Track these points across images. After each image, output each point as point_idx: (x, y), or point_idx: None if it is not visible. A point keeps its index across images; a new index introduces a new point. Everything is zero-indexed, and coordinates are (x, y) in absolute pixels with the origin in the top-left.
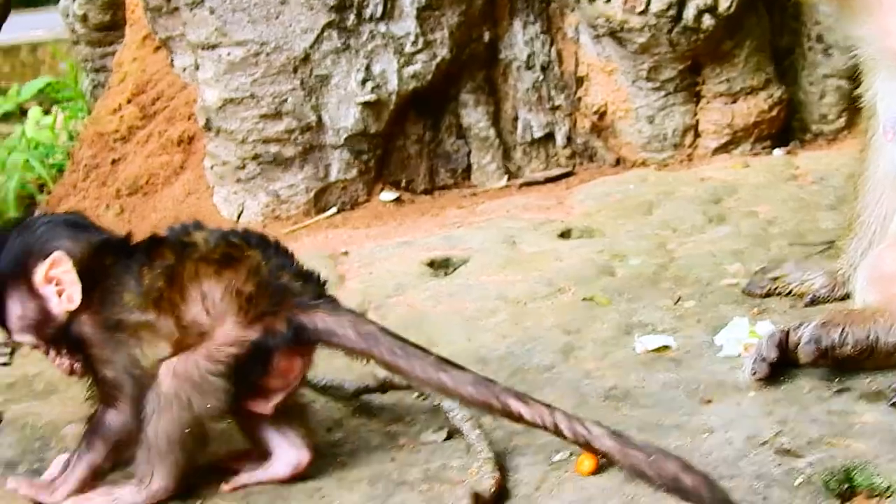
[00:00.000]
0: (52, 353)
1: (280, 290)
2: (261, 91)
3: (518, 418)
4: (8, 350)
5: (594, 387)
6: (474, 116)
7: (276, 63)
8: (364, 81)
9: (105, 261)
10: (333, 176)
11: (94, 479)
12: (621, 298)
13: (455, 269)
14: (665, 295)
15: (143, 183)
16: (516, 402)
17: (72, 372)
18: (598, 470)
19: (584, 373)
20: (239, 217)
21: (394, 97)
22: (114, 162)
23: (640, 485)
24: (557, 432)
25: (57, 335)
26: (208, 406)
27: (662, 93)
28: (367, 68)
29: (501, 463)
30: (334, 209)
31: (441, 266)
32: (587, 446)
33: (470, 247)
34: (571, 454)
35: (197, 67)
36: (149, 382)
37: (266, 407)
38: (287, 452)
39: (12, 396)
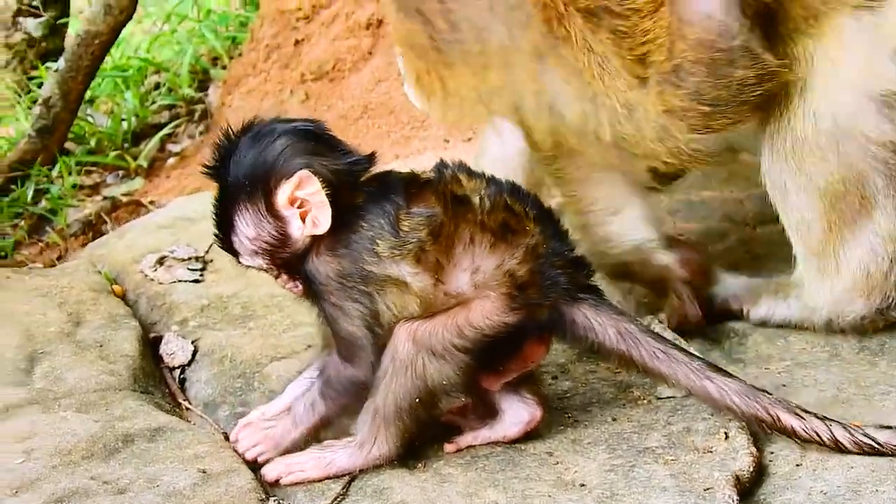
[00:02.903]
0: (285, 277)
1: (552, 282)
2: None
3: (790, 433)
4: (200, 266)
5: None
6: None
7: None
8: None
9: (356, 198)
10: None
11: (319, 432)
12: None
13: None
14: None
15: (329, 68)
16: (787, 414)
17: (305, 295)
18: None
19: None
20: None
21: None
22: (297, 43)
23: None
24: (839, 447)
25: (292, 260)
26: (444, 380)
27: None
28: None
29: (753, 432)
30: None
31: None
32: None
33: None
34: None
35: None
36: (386, 340)
37: (496, 384)
38: (517, 410)
39: (206, 321)
